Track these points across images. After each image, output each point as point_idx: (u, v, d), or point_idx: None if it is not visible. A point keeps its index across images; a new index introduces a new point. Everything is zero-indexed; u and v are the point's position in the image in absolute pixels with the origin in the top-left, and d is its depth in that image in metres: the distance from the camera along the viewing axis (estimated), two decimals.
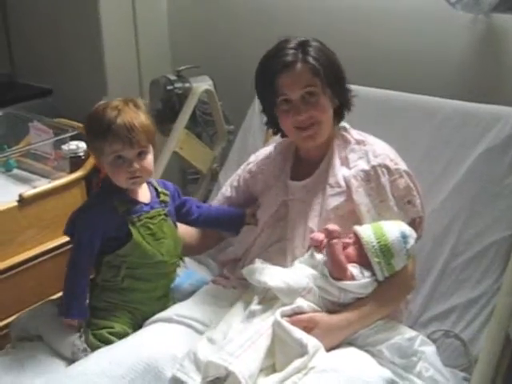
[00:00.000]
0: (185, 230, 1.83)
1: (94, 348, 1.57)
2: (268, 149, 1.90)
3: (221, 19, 2.91)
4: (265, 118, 1.83)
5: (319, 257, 1.56)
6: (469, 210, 1.89)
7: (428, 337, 1.65)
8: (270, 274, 1.53)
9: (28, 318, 1.72)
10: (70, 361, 1.57)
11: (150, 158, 1.61)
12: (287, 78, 1.63)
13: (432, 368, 1.50)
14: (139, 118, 1.57)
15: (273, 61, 1.66)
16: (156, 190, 1.70)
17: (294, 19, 2.61)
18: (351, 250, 1.56)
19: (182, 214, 1.78)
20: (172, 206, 1.74)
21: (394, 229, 1.55)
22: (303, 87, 1.63)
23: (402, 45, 2.35)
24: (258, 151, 1.94)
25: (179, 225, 1.78)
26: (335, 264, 1.51)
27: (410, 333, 1.54)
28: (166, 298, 1.70)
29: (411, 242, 1.55)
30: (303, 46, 1.65)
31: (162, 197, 1.70)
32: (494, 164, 1.89)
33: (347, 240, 1.56)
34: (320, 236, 1.58)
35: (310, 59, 1.62)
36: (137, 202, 1.64)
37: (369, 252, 1.53)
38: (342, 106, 1.73)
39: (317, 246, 1.58)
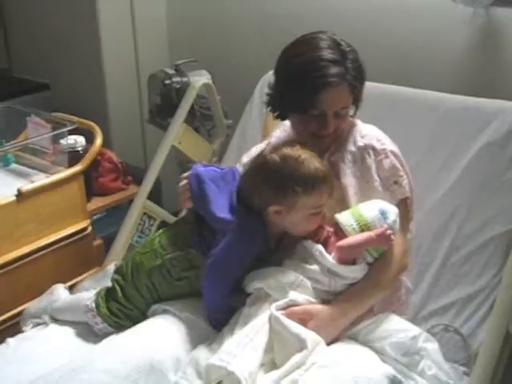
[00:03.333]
0: None
1: (102, 315, 1.61)
2: (260, 147, 1.86)
3: (219, 13, 2.91)
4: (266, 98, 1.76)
5: (308, 244, 1.54)
6: (469, 204, 1.89)
7: (428, 331, 1.65)
8: (260, 276, 1.52)
9: (39, 303, 1.77)
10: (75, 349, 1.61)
11: None
12: (327, 95, 1.55)
13: (435, 366, 1.49)
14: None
15: (314, 75, 1.55)
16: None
17: (292, 14, 2.61)
18: (333, 240, 1.55)
19: None
20: None
21: (372, 207, 1.54)
22: (341, 107, 1.59)
23: (401, 39, 2.35)
24: (250, 151, 1.89)
25: None
26: (352, 246, 1.50)
27: (413, 330, 1.52)
28: None
29: (392, 217, 1.53)
30: (343, 59, 1.57)
31: None
32: (494, 158, 1.89)
33: (331, 229, 1.56)
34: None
35: (352, 79, 1.57)
36: (267, 250, 1.58)
37: (350, 235, 1.51)
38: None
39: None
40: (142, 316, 1.60)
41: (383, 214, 1.52)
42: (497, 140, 1.90)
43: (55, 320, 1.72)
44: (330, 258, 1.50)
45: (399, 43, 2.35)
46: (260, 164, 1.52)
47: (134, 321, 1.60)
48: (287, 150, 1.49)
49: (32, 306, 1.79)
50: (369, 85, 2.09)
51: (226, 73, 2.64)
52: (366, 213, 1.52)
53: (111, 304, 1.62)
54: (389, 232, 1.49)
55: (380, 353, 1.47)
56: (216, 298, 1.52)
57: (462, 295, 1.83)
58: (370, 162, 1.62)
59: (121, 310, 1.61)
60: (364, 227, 1.51)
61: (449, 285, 1.86)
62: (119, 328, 1.61)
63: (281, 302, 1.47)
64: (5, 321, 2.00)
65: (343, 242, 1.51)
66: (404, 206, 1.62)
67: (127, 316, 1.62)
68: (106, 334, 1.62)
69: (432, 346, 1.52)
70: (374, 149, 1.63)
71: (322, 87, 1.54)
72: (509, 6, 2.09)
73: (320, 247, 1.52)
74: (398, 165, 1.63)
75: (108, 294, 1.64)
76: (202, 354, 1.44)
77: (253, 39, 2.81)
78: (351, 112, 1.67)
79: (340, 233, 1.54)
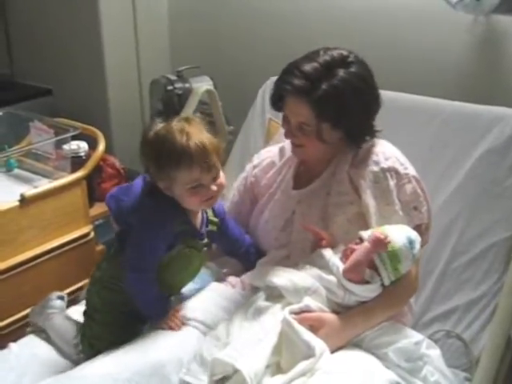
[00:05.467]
0: None
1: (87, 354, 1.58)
2: (272, 151, 1.86)
3: (221, 19, 2.92)
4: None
5: (328, 255, 1.55)
6: (470, 211, 1.90)
7: (429, 337, 1.65)
8: (275, 274, 1.54)
9: (36, 312, 1.75)
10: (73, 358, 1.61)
11: (222, 174, 1.53)
12: (287, 102, 1.60)
13: (437, 372, 1.50)
14: (208, 138, 1.47)
15: (280, 78, 1.60)
16: (207, 216, 1.62)
17: (294, 20, 2.62)
18: None
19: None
20: (217, 238, 1.68)
21: (401, 234, 1.53)
22: (301, 121, 1.59)
23: (402, 46, 2.36)
24: (261, 152, 1.91)
25: None
26: (354, 263, 1.50)
27: (416, 337, 1.52)
28: None
29: (417, 246, 1.53)
30: (319, 79, 1.55)
31: (211, 226, 1.63)
32: (495, 165, 1.90)
33: (354, 246, 1.54)
34: (321, 232, 1.59)
35: (316, 100, 1.54)
36: (193, 227, 1.57)
37: (376, 258, 1.51)
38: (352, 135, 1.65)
39: (320, 240, 1.59)
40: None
41: (411, 243, 1.52)
42: (497, 147, 1.91)
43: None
44: (340, 274, 1.51)
45: (399, 50, 2.36)
46: (142, 140, 1.52)
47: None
48: (161, 126, 1.48)
49: (32, 310, 1.79)
50: None
51: (228, 79, 2.65)
52: (395, 240, 1.51)
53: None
54: (382, 237, 1.49)
55: (383, 359, 1.47)
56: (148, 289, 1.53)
57: (464, 301, 1.83)
58: (392, 185, 1.61)
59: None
60: (391, 254, 1.49)
61: (450, 291, 1.86)
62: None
63: (295, 307, 1.47)
64: (8, 325, 2.01)
65: (349, 264, 1.50)
66: (420, 230, 1.61)
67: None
68: None
69: (434, 353, 1.53)
70: (397, 172, 1.62)
71: (281, 91, 1.60)
72: (509, 13, 2.10)
73: (337, 262, 1.53)
74: (419, 190, 1.63)
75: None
76: (205, 347, 1.44)
77: (255, 45, 2.82)
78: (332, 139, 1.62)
79: None
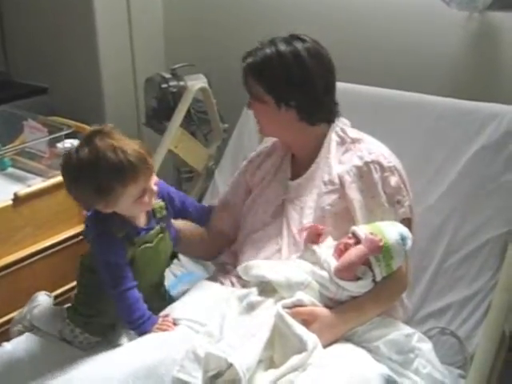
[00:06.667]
0: (194, 230, 1.83)
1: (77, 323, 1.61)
2: (267, 144, 1.89)
3: (216, 17, 2.91)
4: None
5: (320, 251, 1.55)
6: (464, 207, 1.90)
7: (424, 334, 1.65)
8: (268, 269, 1.53)
9: (22, 311, 1.76)
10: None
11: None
12: None
13: (429, 365, 1.50)
14: (136, 143, 1.48)
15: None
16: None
17: (289, 18, 2.61)
18: None
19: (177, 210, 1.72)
20: (170, 215, 1.67)
21: (393, 230, 1.53)
22: (245, 84, 1.71)
23: (396, 43, 2.35)
24: (256, 150, 1.92)
25: (190, 227, 1.78)
26: (348, 264, 1.50)
27: (407, 330, 1.53)
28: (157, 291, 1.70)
29: (409, 243, 1.54)
30: (264, 48, 1.68)
31: (159, 213, 1.62)
32: (489, 162, 1.90)
33: (348, 241, 1.54)
34: (320, 226, 1.59)
35: (248, 64, 1.69)
36: (135, 228, 1.57)
37: (370, 255, 1.51)
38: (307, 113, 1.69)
39: (317, 236, 1.58)
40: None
41: (403, 239, 1.52)
42: (492, 143, 1.90)
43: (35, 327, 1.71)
44: (331, 272, 1.50)
45: (394, 47, 2.35)
46: (67, 169, 1.48)
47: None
48: (84, 150, 1.43)
49: (17, 313, 1.79)
50: (363, 88, 2.13)
51: (222, 77, 2.64)
52: (387, 235, 1.51)
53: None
54: (377, 239, 1.50)
55: (374, 352, 1.47)
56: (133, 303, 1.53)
57: (458, 298, 1.83)
58: (376, 178, 1.62)
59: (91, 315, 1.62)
60: (384, 249, 1.50)
61: (445, 288, 1.86)
62: (97, 332, 1.63)
63: (288, 301, 1.47)
64: (2, 325, 2.01)
65: (341, 264, 1.50)
66: (406, 225, 1.61)
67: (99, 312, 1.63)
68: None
69: (426, 346, 1.54)
70: (380, 165, 1.63)
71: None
72: (503, 9, 2.10)
73: (329, 258, 1.52)
74: (402, 185, 1.64)
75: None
76: (198, 343, 1.43)
77: (250, 43, 2.81)
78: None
79: None
